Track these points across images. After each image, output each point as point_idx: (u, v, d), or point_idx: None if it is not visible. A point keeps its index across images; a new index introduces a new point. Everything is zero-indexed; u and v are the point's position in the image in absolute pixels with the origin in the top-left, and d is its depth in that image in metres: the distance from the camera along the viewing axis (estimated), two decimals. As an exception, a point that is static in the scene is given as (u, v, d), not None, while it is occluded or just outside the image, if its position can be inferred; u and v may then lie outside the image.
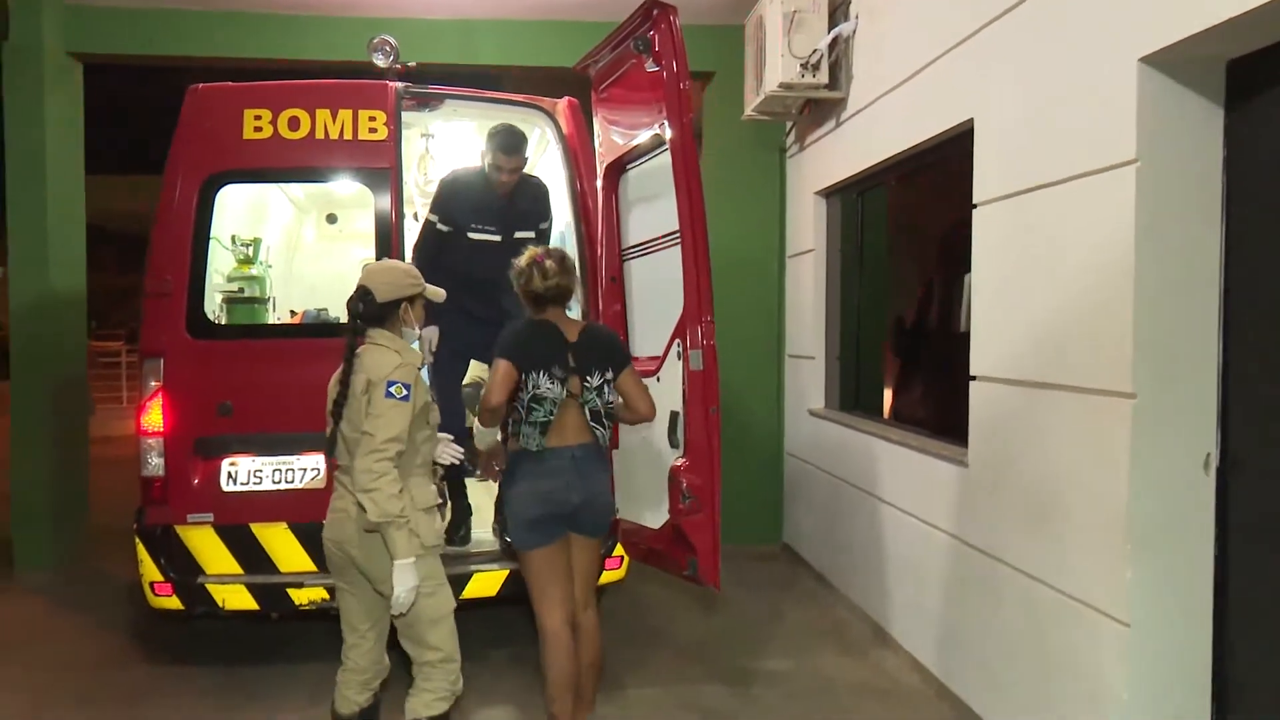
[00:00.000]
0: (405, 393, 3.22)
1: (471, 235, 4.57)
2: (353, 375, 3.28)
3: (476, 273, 4.56)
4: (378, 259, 4.53)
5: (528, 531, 3.64)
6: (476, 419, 3.70)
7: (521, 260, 3.69)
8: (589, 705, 3.90)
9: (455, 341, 4.65)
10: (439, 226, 4.60)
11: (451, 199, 4.62)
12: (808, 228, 6.51)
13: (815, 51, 5.52)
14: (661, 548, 4.25)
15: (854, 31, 5.50)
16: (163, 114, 5.43)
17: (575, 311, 4.57)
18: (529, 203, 4.69)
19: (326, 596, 4.34)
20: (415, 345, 3.55)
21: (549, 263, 3.65)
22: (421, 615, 3.31)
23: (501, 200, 4.58)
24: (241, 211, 5.51)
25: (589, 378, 3.63)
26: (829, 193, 6.27)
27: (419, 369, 3.38)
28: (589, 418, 3.64)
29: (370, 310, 3.34)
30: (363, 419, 3.23)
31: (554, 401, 3.56)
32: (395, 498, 3.14)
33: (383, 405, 3.20)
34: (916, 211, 5.38)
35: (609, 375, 3.68)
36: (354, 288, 3.40)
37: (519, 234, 4.52)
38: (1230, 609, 3.13)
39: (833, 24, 5.56)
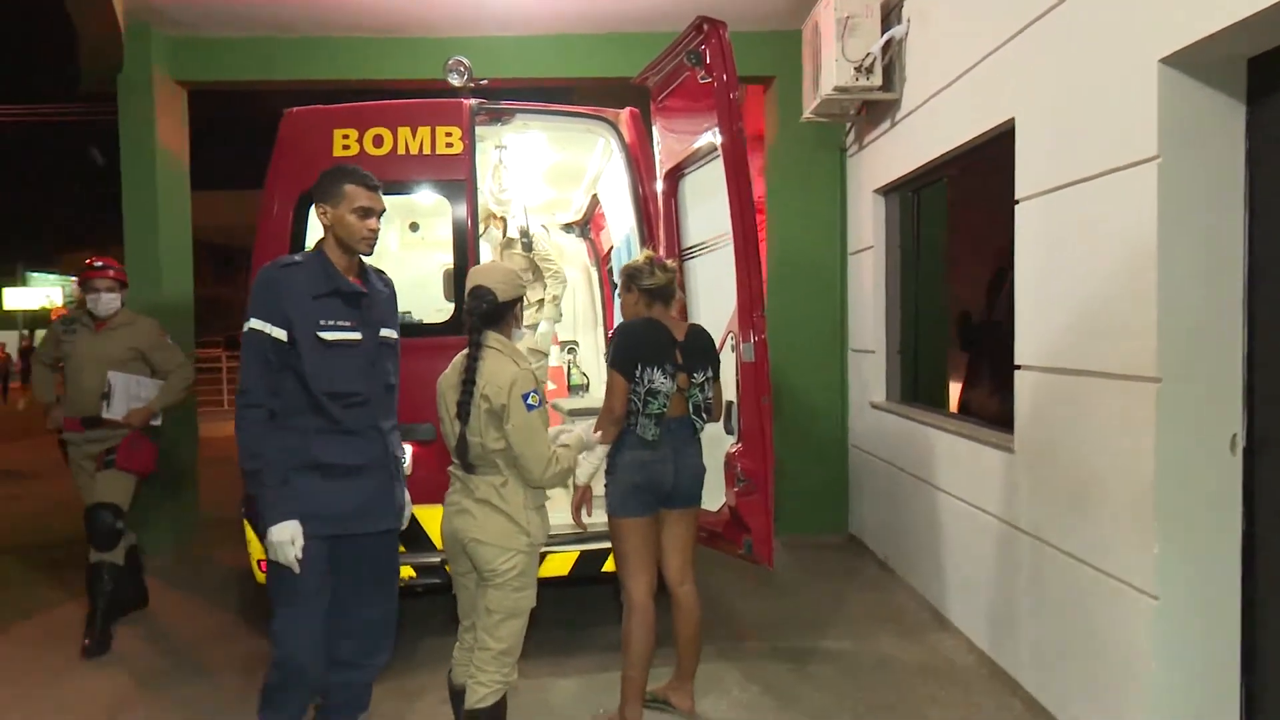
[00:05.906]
0: (539, 399, 3.32)
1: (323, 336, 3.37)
2: (477, 379, 3.33)
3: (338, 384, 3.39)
4: (455, 263, 4.84)
5: (630, 499, 3.88)
6: (598, 433, 3.84)
7: (640, 258, 4.04)
8: (690, 677, 4.13)
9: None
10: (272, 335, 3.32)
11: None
12: (867, 225, 6.67)
13: (869, 55, 5.69)
14: (719, 529, 4.51)
15: (905, 35, 5.67)
16: (256, 133, 5.83)
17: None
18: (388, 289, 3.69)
19: (414, 574, 4.64)
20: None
21: (670, 260, 4.04)
22: (504, 605, 3.40)
23: (353, 285, 3.48)
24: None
25: (695, 374, 3.95)
26: (886, 190, 6.42)
27: (533, 369, 3.47)
28: (691, 410, 3.98)
29: (492, 310, 3.40)
30: (483, 428, 3.31)
31: (666, 395, 3.87)
32: (568, 469, 3.43)
33: (527, 419, 3.28)
34: (969, 207, 5.51)
35: (709, 375, 4.01)
36: (469, 290, 3.42)
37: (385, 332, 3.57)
38: (1259, 584, 3.25)
39: (885, 28, 5.73)
